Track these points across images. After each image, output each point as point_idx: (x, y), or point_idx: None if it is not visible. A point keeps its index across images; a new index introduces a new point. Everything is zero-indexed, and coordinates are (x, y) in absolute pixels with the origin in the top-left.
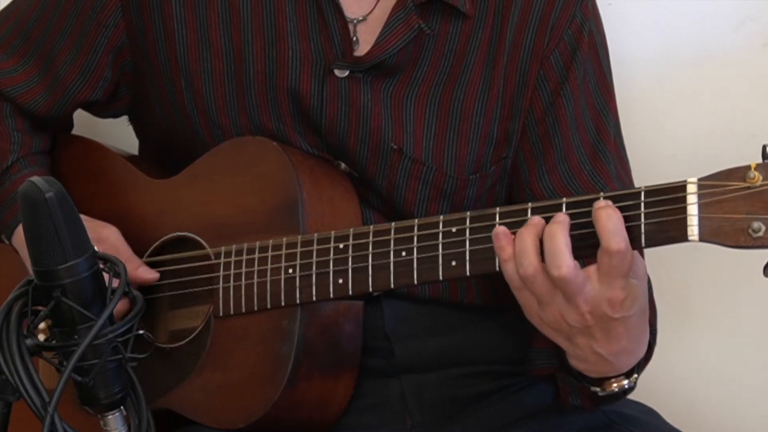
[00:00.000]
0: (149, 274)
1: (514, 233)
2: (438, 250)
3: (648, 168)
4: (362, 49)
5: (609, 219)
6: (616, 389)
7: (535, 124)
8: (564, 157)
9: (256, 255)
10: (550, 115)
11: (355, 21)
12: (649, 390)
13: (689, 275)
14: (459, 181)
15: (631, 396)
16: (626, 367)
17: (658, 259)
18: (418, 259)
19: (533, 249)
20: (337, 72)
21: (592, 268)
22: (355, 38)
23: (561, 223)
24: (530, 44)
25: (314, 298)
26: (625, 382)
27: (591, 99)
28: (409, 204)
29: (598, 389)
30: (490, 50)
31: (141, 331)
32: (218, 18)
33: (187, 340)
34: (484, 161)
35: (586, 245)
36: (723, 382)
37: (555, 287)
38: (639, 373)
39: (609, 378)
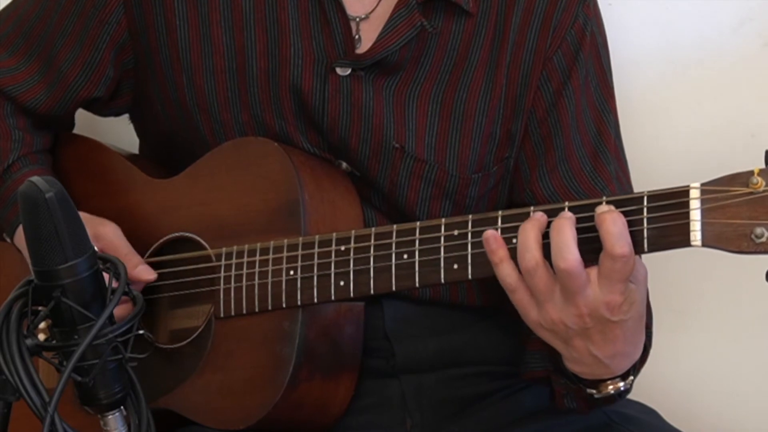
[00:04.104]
0: (147, 274)
1: (514, 237)
2: (440, 253)
3: (648, 168)
4: (364, 47)
5: (614, 223)
6: (612, 391)
7: (537, 125)
8: (565, 158)
9: (257, 256)
10: (552, 116)
11: (357, 19)
12: (649, 390)
13: (691, 278)
14: (461, 179)
15: (631, 396)
16: (622, 370)
17: (660, 261)
18: (420, 262)
19: (536, 243)
20: (338, 70)
21: (593, 271)
22: (357, 36)
23: (569, 218)
24: (533, 44)
25: (316, 300)
26: (621, 384)
27: (592, 99)
28: (411, 203)
29: (594, 391)
30: (492, 49)
31: (141, 331)
32: (220, 15)
33: (188, 340)
34: (487, 161)
35: (587, 249)
36: (723, 383)
37: (555, 283)
38: (635, 376)
39: (605, 380)
